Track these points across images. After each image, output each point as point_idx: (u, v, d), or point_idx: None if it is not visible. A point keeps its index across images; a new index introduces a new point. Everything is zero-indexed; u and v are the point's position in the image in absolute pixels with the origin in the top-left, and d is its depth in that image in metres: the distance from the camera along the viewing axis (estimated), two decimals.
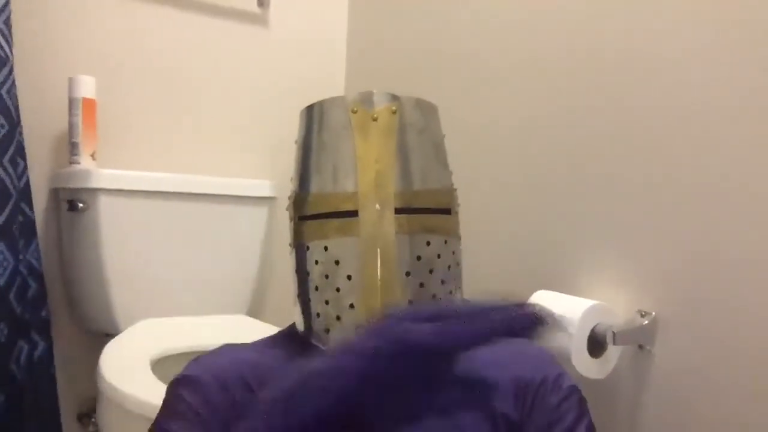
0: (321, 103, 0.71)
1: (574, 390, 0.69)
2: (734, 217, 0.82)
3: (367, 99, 0.69)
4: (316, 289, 0.68)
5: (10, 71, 1.20)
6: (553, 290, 1.02)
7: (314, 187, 0.69)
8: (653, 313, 0.91)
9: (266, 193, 1.44)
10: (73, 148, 1.30)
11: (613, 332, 0.89)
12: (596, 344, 0.92)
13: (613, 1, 0.99)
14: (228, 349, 0.72)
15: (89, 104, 1.31)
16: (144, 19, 1.44)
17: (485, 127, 1.23)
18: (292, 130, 0.75)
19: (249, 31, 1.57)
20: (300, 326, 0.72)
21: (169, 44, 1.48)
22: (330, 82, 1.68)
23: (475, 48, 1.27)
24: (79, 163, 1.30)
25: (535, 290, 1.02)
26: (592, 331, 0.92)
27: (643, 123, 0.94)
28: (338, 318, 0.67)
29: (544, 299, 0.98)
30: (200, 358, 0.69)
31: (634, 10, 0.95)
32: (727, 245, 0.83)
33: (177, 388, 0.66)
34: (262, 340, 0.76)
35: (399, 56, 1.50)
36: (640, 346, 0.92)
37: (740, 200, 0.82)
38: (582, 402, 0.70)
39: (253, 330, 1.28)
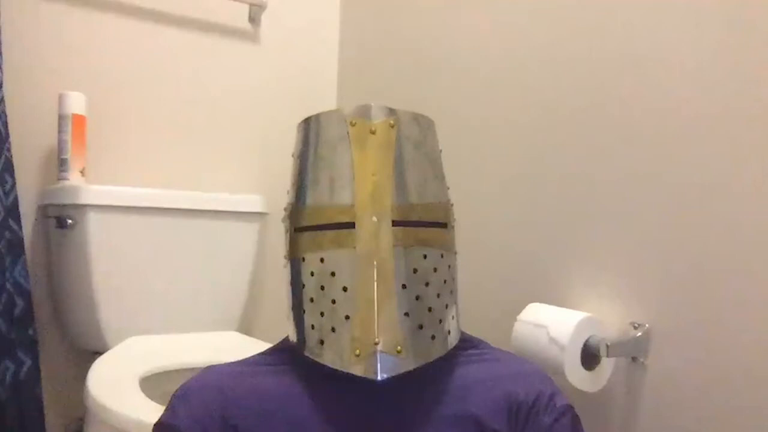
0: (318, 116, 0.72)
1: (568, 409, 0.69)
2: (726, 229, 0.83)
3: (365, 112, 0.69)
4: (312, 300, 0.68)
5: (0, 87, 1.20)
6: (546, 303, 1.02)
7: (311, 199, 0.70)
8: (646, 325, 0.91)
9: (257, 208, 1.43)
10: (62, 164, 1.30)
11: (607, 344, 0.89)
12: (590, 357, 0.92)
13: (608, 12, 1.00)
14: (212, 374, 0.71)
15: (79, 120, 1.31)
16: (134, 35, 1.45)
17: (477, 140, 1.24)
18: (283, 145, 0.76)
19: (240, 47, 1.58)
20: (293, 338, 0.71)
21: (159, 60, 1.48)
22: (321, 98, 1.69)
23: (466, 66, 1.28)
24: (68, 179, 1.29)
25: (529, 303, 1.02)
26: (586, 343, 0.92)
27: (635, 138, 0.95)
28: (333, 330, 0.66)
29: (537, 312, 0.99)
30: (181, 396, 0.69)
31: (630, 23, 0.97)
32: (720, 257, 0.84)
33: None
34: (254, 356, 0.75)
35: (390, 72, 1.51)
36: (634, 358, 0.93)
37: (733, 213, 0.83)
38: (575, 421, 0.70)
39: (243, 347, 1.27)
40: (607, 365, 0.94)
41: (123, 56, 1.43)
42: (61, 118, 1.30)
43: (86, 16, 1.39)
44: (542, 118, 1.10)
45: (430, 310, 0.68)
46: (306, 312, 0.68)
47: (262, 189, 1.53)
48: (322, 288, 0.67)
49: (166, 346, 1.26)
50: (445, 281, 0.70)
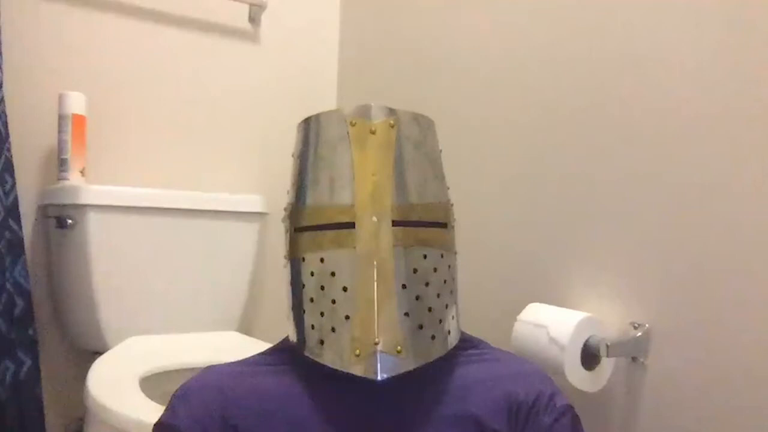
0: (318, 116, 0.72)
1: (568, 409, 0.69)
2: (726, 229, 0.83)
3: (365, 112, 0.69)
4: (312, 300, 0.68)
5: (0, 87, 1.20)
6: (546, 303, 1.02)
7: (311, 199, 0.70)
8: (646, 325, 0.91)
9: (257, 208, 1.43)
10: (62, 164, 1.30)
11: (607, 344, 0.89)
12: (590, 357, 0.92)
13: (608, 12, 1.00)
14: (212, 374, 0.71)
15: (79, 120, 1.31)
16: (134, 35, 1.45)
17: (477, 140, 1.24)
18: (283, 145, 0.76)
19: (240, 47, 1.58)
20: (293, 338, 0.71)
21: (159, 60, 1.48)
22: (321, 98, 1.69)
23: (466, 66, 1.28)
24: (68, 179, 1.29)
25: (529, 303, 1.02)
26: (586, 343, 0.92)
27: (635, 138, 0.95)
28: (333, 330, 0.66)
29: (537, 312, 0.99)
30: (181, 396, 0.69)
31: (630, 23, 0.97)
32: (720, 257, 0.84)
33: None
34: (254, 356, 0.75)
35: (390, 72, 1.51)
36: (633, 359, 0.93)
37: (733, 213, 0.83)
38: (575, 421, 0.70)
39: (243, 347, 1.27)
40: (607, 365, 0.94)
41: (123, 56, 1.43)
42: (61, 118, 1.30)
43: (86, 16, 1.39)
44: (542, 118, 1.10)
45: (430, 310, 0.68)
46: (306, 312, 0.69)
47: (262, 189, 1.53)
48: (322, 288, 0.67)
49: (166, 346, 1.26)
50: (445, 281, 0.70)
